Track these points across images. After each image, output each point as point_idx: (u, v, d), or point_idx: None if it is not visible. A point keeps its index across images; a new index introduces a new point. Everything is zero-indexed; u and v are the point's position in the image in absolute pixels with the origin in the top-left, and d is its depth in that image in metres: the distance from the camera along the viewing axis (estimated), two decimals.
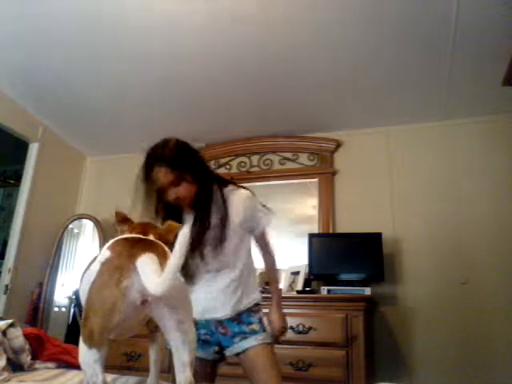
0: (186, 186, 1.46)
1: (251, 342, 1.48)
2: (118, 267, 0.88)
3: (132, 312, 0.88)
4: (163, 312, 0.91)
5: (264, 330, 1.52)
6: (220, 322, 1.51)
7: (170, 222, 1.19)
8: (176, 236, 1.14)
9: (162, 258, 0.91)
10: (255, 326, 1.50)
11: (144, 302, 0.87)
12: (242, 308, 1.51)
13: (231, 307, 1.50)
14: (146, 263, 0.87)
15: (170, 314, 0.91)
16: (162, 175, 1.41)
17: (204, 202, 1.49)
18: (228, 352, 1.51)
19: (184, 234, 0.84)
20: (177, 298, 0.93)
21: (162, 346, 1.13)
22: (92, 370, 0.86)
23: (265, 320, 1.57)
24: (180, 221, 1.56)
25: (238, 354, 1.49)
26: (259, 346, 1.47)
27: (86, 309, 0.90)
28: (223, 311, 1.50)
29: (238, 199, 1.51)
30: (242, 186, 1.58)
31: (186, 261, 1.48)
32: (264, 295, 2.66)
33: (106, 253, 0.94)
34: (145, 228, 1.11)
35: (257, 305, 1.56)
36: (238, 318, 1.51)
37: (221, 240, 1.46)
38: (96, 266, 0.92)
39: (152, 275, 0.84)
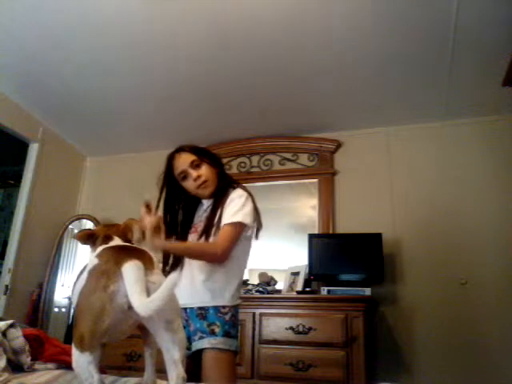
0: (207, 168, 1.53)
1: (204, 343, 1.37)
2: (105, 273, 0.91)
3: (121, 316, 0.89)
4: (151, 315, 0.90)
5: (224, 335, 1.38)
6: (186, 315, 1.44)
7: (128, 220, 1.25)
8: (132, 232, 1.19)
9: (148, 265, 0.94)
10: (216, 328, 1.38)
11: (131, 306, 0.87)
12: (207, 301, 1.42)
13: (200, 297, 1.42)
14: (131, 269, 0.89)
15: (158, 316, 0.90)
16: (184, 158, 1.52)
17: (222, 190, 1.53)
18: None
19: (173, 278, 0.84)
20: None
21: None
22: (87, 372, 0.86)
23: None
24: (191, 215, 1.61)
25: (194, 354, 1.40)
26: (211, 350, 1.36)
27: (75, 314, 0.92)
28: (192, 299, 1.43)
29: (232, 195, 1.52)
30: (243, 187, 1.58)
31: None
32: (262, 296, 2.70)
33: (94, 261, 0.97)
34: (108, 229, 1.18)
35: (230, 308, 1.44)
36: (204, 313, 1.42)
37: (207, 234, 1.47)
38: (85, 275, 0.95)
39: (137, 290, 0.85)
